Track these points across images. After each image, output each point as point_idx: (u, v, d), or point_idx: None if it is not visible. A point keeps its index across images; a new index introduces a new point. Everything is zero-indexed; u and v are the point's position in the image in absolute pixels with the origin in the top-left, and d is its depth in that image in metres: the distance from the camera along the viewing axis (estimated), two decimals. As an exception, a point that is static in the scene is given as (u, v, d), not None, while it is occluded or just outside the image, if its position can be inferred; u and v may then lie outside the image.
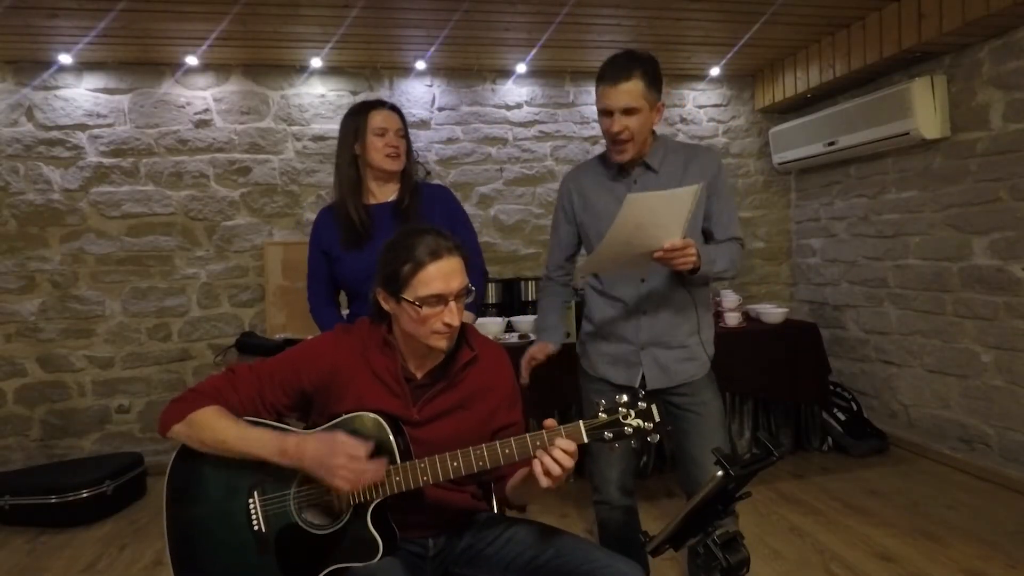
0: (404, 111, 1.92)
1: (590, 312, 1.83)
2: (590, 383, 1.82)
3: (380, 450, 1.21)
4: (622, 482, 1.79)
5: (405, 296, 1.23)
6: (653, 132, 1.73)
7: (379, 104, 1.88)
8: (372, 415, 1.24)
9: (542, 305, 1.93)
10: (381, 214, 1.86)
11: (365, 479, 1.17)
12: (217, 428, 1.22)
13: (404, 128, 1.89)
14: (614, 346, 1.75)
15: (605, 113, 1.62)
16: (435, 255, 1.22)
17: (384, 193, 1.91)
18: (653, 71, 1.60)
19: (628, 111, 1.58)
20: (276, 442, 1.21)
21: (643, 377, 1.72)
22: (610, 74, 1.58)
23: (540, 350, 1.80)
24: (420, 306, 1.21)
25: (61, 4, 2.59)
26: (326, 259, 1.90)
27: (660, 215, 1.42)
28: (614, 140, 1.63)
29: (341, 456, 1.16)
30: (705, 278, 1.66)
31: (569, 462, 1.10)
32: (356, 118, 1.86)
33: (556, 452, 1.10)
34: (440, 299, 1.22)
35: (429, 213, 1.86)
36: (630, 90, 1.56)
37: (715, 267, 1.63)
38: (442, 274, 1.22)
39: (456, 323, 1.24)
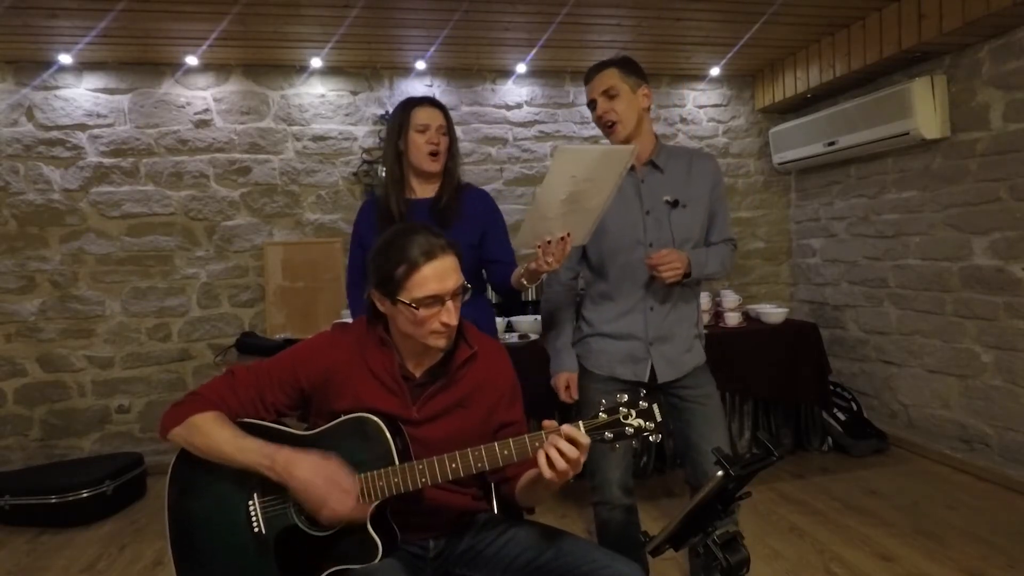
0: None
1: (593, 312, 1.82)
2: (595, 382, 1.80)
3: (378, 452, 1.21)
4: (624, 481, 1.78)
5: (401, 298, 1.21)
6: (656, 137, 1.80)
7: (423, 101, 1.88)
8: (370, 417, 1.24)
9: (555, 318, 1.88)
10: (419, 210, 1.85)
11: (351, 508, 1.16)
12: (212, 435, 1.22)
13: (448, 125, 1.88)
14: (622, 343, 1.75)
15: (591, 105, 1.77)
16: (429, 255, 1.20)
17: (424, 190, 1.90)
18: (626, 62, 1.74)
19: (608, 94, 1.71)
20: (265, 460, 1.19)
21: (652, 371, 1.74)
22: (588, 74, 1.78)
23: (570, 380, 1.81)
24: (417, 308, 1.20)
25: (61, 4, 2.58)
26: (362, 251, 1.90)
27: (594, 171, 1.41)
28: (602, 124, 1.74)
29: (335, 490, 1.16)
30: (697, 280, 1.76)
31: (575, 453, 1.08)
32: (401, 114, 1.87)
33: (561, 443, 1.09)
34: (437, 299, 1.21)
35: (468, 214, 1.85)
36: (605, 77, 1.72)
37: (706, 270, 1.74)
38: (437, 274, 1.20)
39: (454, 322, 1.23)
